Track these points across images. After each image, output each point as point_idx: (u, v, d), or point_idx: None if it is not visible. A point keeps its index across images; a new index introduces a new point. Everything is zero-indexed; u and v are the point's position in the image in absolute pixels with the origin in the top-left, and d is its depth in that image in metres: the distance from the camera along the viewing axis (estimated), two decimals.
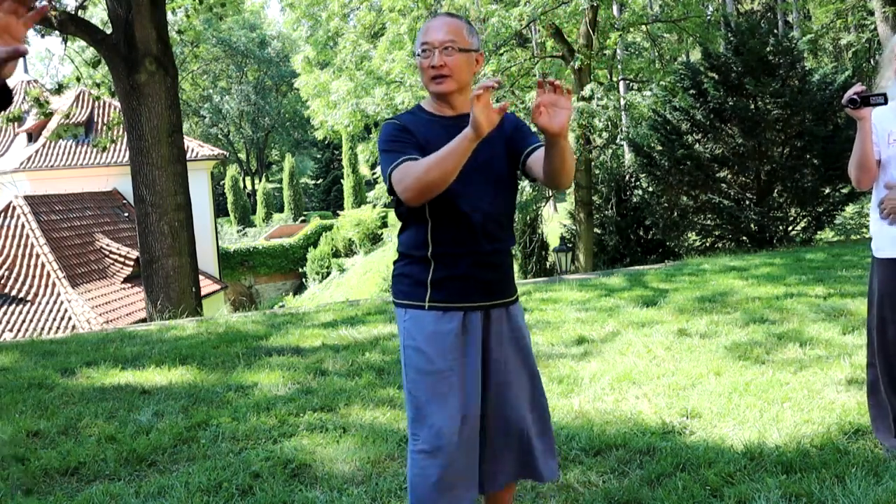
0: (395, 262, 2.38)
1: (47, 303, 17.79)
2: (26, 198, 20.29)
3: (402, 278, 2.32)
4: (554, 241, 18.23)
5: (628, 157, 17.79)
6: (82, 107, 24.23)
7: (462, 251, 2.25)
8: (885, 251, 3.02)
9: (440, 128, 2.26)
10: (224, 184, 51.38)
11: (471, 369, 2.26)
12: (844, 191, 12.61)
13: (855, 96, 2.88)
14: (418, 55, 2.29)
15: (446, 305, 2.25)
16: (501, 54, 16.96)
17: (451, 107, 2.30)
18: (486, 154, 2.26)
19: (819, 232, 13.31)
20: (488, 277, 2.29)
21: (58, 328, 16.68)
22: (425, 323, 2.25)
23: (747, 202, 12.60)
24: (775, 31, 15.74)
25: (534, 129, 2.35)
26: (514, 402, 2.35)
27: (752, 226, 12.61)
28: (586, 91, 15.55)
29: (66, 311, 17.47)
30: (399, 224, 2.41)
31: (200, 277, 11.44)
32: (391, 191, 2.21)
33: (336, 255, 33.38)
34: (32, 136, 25.47)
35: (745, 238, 12.68)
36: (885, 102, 2.87)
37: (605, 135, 16.75)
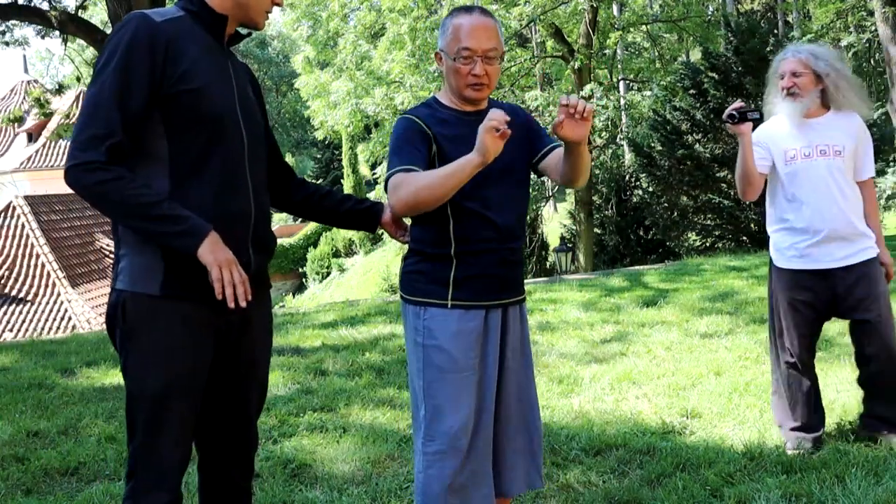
0: (406, 259, 2.32)
1: (47, 303, 17.79)
2: (26, 198, 20.30)
3: (419, 275, 2.26)
4: (554, 241, 18.21)
5: (628, 157, 17.79)
6: None
7: (485, 249, 2.22)
8: (782, 261, 3.20)
9: (464, 125, 2.22)
10: None
11: (489, 368, 2.25)
12: None
13: (734, 112, 3.04)
14: (453, 57, 2.20)
15: (470, 304, 2.22)
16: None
17: (472, 104, 2.26)
18: (506, 155, 2.22)
19: None
20: (508, 275, 2.28)
21: (58, 328, 16.68)
22: (448, 321, 2.20)
23: (747, 202, 12.60)
24: (775, 31, 15.75)
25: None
26: (529, 403, 2.34)
27: (752, 226, 12.61)
28: (586, 91, 15.54)
29: (66, 311, 17.47)
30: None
31: None
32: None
33: (336, 255, 33.33)
34: (32, 136, 25.49)
35: (745, 238, 12.68)
36: (761, 117, 3.07)
37: (605, 135, 16.75)
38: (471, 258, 2.21)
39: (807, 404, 3.20)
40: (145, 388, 1.84)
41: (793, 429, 3.23)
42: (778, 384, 3.29)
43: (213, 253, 1.81)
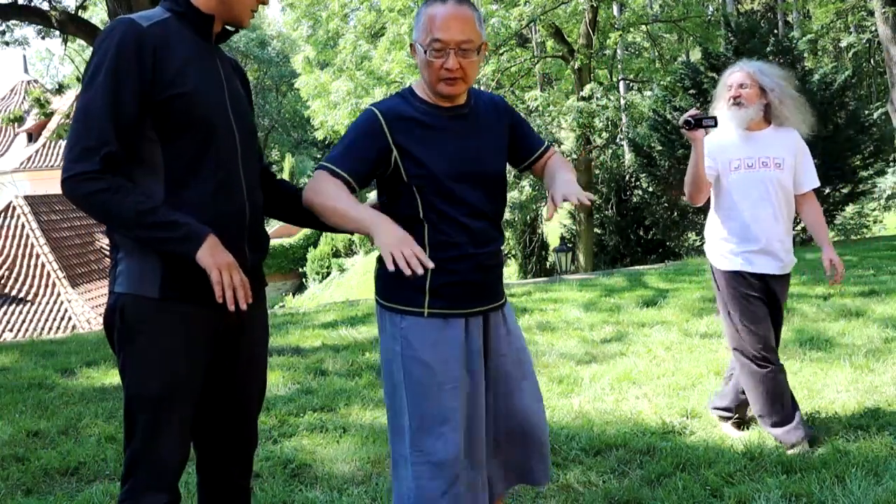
0: (380, 260, 2.16)
1: (47, 303, 17.78)
2: (26, 198, 20.30)
3: (394, 280, 2.13)
4: (554, 241, 18.21)
5: (628, 157, 17.78)
6: None
7: (462, 255, 2.12)
8: (726, 265, 3.35)
9: (437, 119, 2.12)
10: None
11: (475, 377, 2.16)
12: (845, 191, 12.61)
13: (689, 118, 3.16)
14: (425, 49, 2.06)
15: (448, 312, 2.12)
16: (501, 54, 16.96)
17: (447, 99, 2.14)
18: (484, 155, 2.17)
19: None
20: (487, 280, 2.18)
21: (58, 328, 16.68)
22: (426, 331, 2.11)
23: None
24: (775, 31, 15.75)
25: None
26: (520, 406, 2.27)
27: None
28: (586, 91, 15.55)
29: (66, 311, 17.46)
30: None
31: None
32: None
33: (336, 255, 33.32)
34: (32, 136, 25.48)
35: None
36: (716, 125, 3.19)
37: (605, 135, 16.75)
38: (447, 265, 2.11)
39: (784, 395, 3.28)
40: (144, 390, 1.85)
41: (774, 424, 3.28)
42: (756, 398, 3.31)
43: (213, 256, 1.81)
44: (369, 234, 1.94)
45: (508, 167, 2.35)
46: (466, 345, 2.15)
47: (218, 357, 1.98)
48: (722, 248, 3.37)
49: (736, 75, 3.33)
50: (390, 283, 2.17)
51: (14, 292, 17.95)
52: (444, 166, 2.09)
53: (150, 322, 1.85)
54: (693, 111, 3.19)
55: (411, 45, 2.15)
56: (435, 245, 2.11)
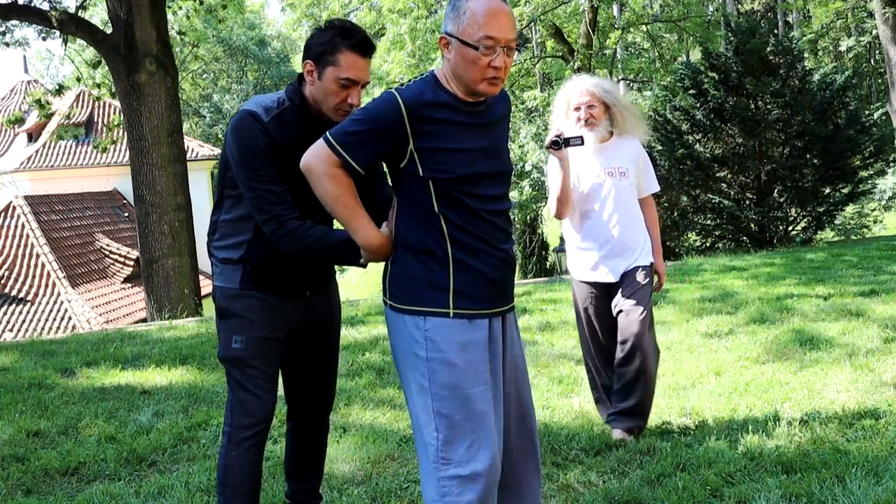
0: (394, 260, 2.11)
1: (47, 303, 17.78)
2: (26, 198, 20.29)
3: (415, 281, 2.05)
4: (554, 241, 18.22)
5: None
6: (83, 107, 24.16)
7: (486, 251, 2.06)
8: (580, 274, 3.56)
9: (462, 114, 2.04)
10: None
11: (496, 380, 2.09)
12: (845, 191, 12.62)
13: (557, 138, 3.31)
14: (474, 45, 1.96)
15: (473, 312, 2.04)
16: None
17: (479, 95, 2.05)
18: (502, 149, 2.13)
19: (819, 232, 13.30)
20: (507, 279, 2.13)
21: (58, 328, 16.67)
22: (452, 332, 2.01)
23: (747, 202, 12.60)
24: (775, 31, 15.76)
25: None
26: (530, 411, 2.22)
27: (752, 226, 12.60)
28: None
29: (66, 311, 17.46)
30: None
31: (200, 277, 11.43)
32: (333, 146, 2.03)
33: None
34: (32, 137, 25.45)
35: (745, 238, 12.67)
36: (583, 143, 3.33)
37: None
38: (470, 261, 2.04)
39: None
40: (230, 351, 2.44)
41: (612, 414, 3.52)
42: (594, 382, 3.64)
43: None
44: (362, 247, 2.14)
45: None
46: (490, 347, 2.09)
47: (297, 335, 2.54)
48: (576, 256, 3.56)
49: (582, 95, 3.49)
50: (407, 284, 2.07)
51: (14, 292, 17.95)
52: (469, 163, 2.02)
53: (233, 303, 2.44)
54: (558, 131, 3.35)
55: (442, 39, 2.05)
56: (456, 241, 2.04)
